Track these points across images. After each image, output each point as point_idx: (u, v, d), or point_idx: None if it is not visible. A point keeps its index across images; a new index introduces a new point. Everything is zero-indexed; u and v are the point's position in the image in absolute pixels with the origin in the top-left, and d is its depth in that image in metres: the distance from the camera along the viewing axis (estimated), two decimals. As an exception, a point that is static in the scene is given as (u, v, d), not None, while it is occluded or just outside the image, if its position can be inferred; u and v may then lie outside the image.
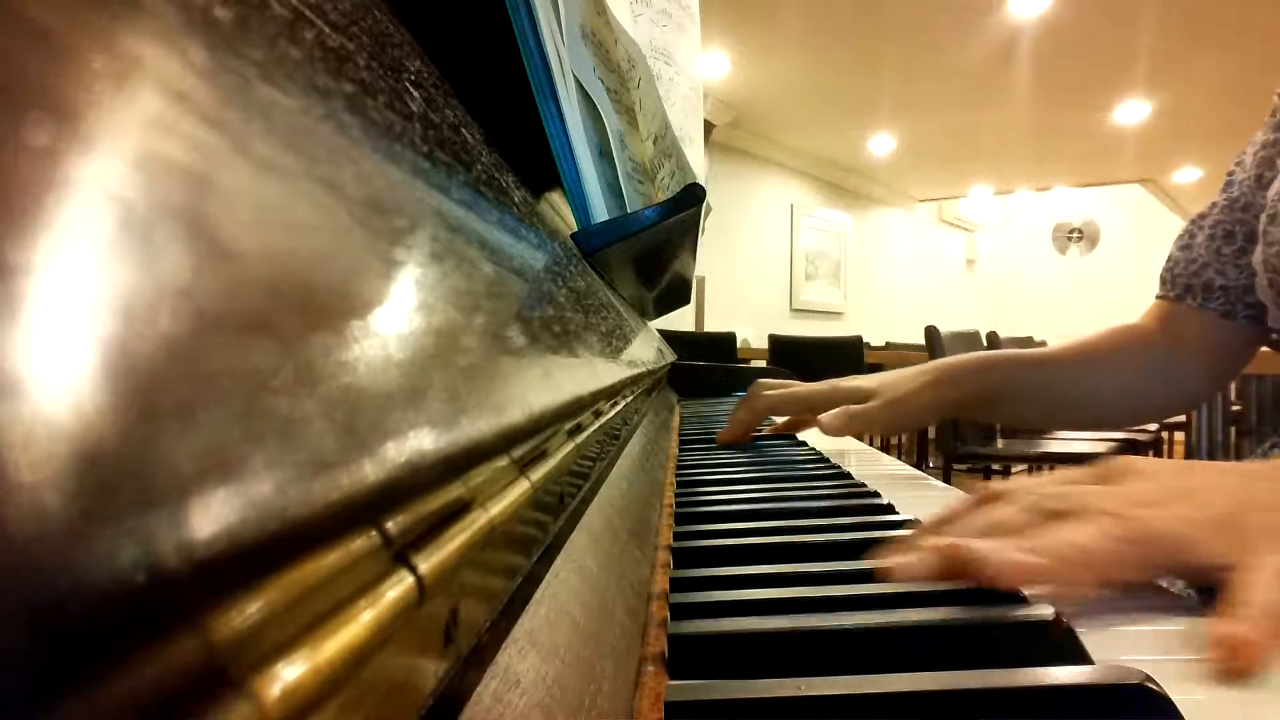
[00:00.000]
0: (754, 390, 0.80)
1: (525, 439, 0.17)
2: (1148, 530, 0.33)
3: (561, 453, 0.22)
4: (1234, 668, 0.25)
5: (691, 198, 0.57)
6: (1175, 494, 0.35)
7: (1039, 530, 0.33)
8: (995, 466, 3.35)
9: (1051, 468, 3.61)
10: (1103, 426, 2.45)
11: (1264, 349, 0.79)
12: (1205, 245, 0.77)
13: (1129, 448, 2.86)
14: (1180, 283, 0.79)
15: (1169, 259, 0.81)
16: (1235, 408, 3.37)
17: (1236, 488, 0.35)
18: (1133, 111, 4.69)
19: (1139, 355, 0.81)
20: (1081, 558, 0.32)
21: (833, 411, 0.72)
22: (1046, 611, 0.27)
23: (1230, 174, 0.77)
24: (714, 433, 0.88)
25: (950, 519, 0.38)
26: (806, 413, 0.78)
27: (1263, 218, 0.68)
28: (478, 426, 0.13)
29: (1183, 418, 3.32)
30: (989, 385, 0.76)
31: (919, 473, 0.72)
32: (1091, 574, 0.32)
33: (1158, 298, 0.81)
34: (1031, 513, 0.35)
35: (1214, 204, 0.77)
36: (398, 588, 0.10)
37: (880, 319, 6.35)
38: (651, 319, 1.15)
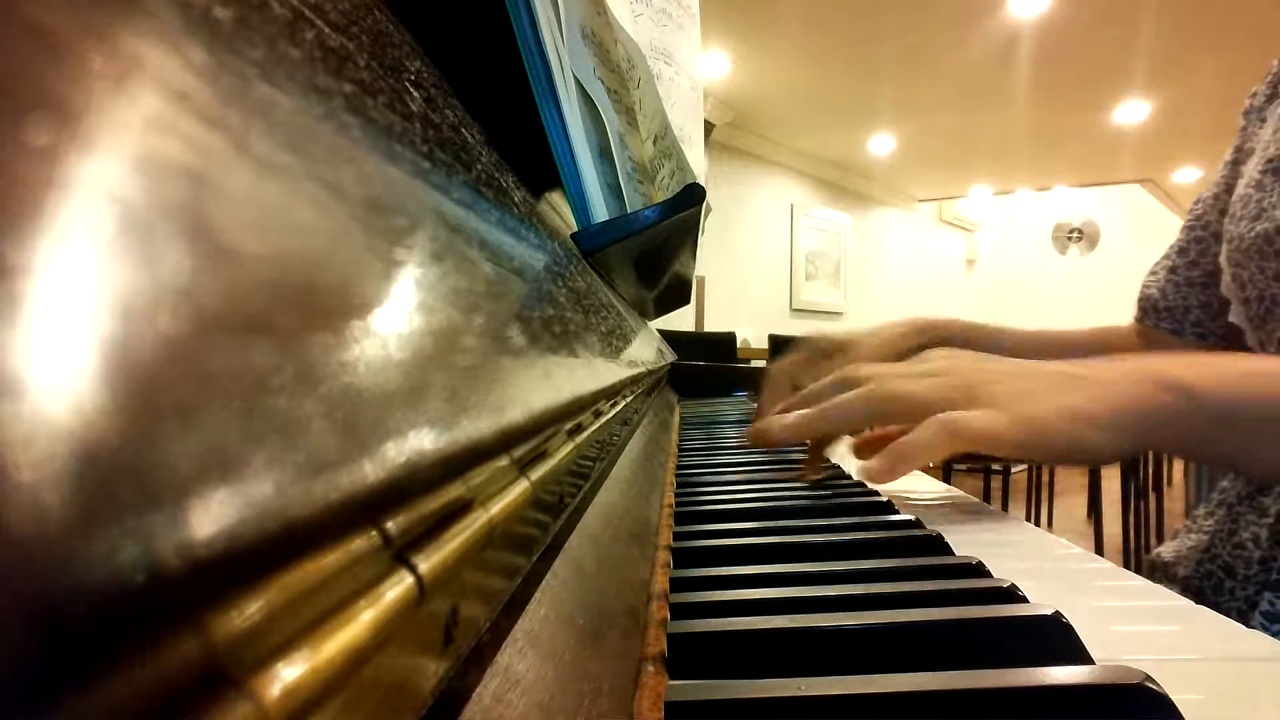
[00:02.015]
0: (769, 373, 0.82)
1: (525, 439, 0.17)
2: (892, 392, 0.46)
3: (561, 453, 0.22)
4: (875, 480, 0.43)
5: (691, 198, 0.57)
6: (940, 371, 0.47)
7: (829, 400, 0.47)
8: (995, 466, 3.35)
9: (1051, 468, 3.60)
10: None
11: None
12: (1164, 265, 0.83)
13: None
14: (1141, 304, 0.84)
15: (1141, 294, 0.86)
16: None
17: (991, 370, 0.47)
18: (1133, 111, 4.69)
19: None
20: (836, 413, 0.46)
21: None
22: (1047, 611, 0.27)
23: (1198, 200, 0.81)
24: (714, 433, 0.89)
25: (801, 397, 0.52)
26: (822, 363, 0.80)
27: (1226, 221, 0.71)
28: (478, 426, 0.13)
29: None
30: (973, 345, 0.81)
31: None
32: (839, 426, 0.46)
33: (1134, 320, 0.85)
34: (835, 386, 0.48)
35: (1182, 226, 0.83)
36: (398, 588, 0.10)
37: (880, 319, 6.33)
38: (651, 319, 1.15)
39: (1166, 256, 0.85)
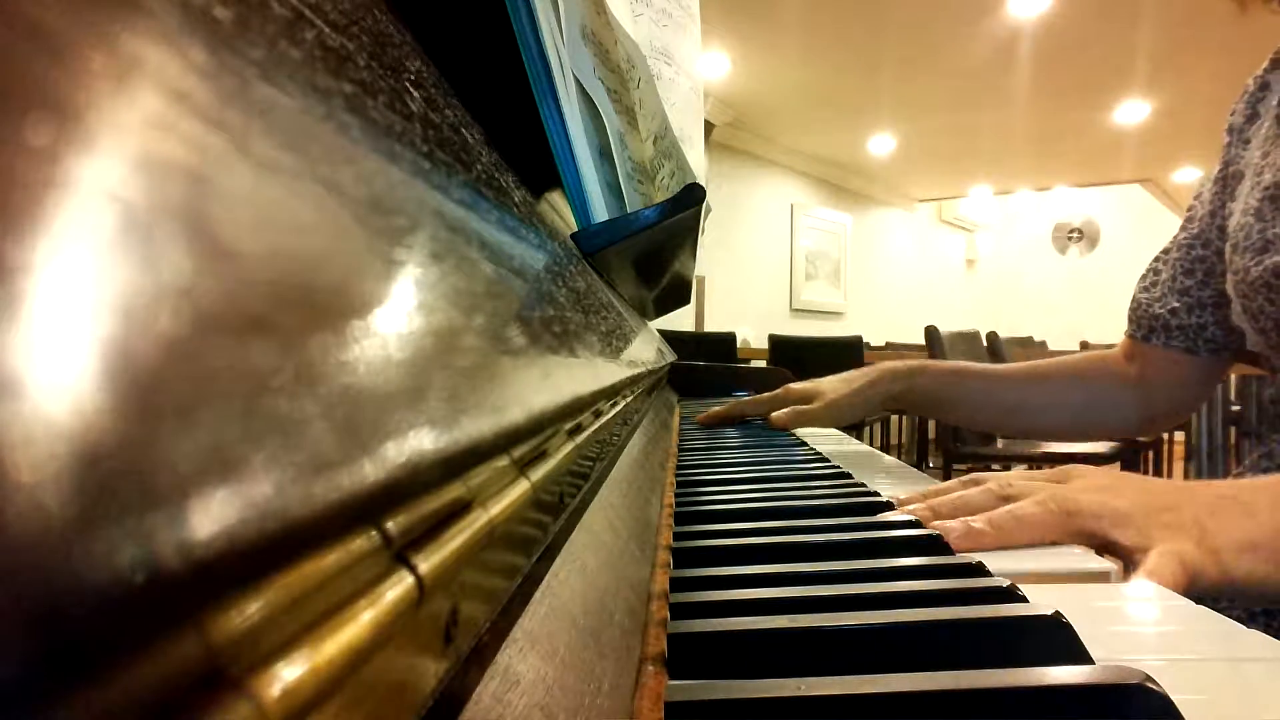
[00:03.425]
0: (735, 403, 0.98)
1: (525, 439, 0.17)
2: (1074, 503, 0.42)
3: (561, 453, 0.22)
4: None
5: (691, 198, 0.57)
6: (1103, 488, 0.45)
7: (994, 508, 0.44)
8: (995, 467, 3.35)
9: (1051, 467, 3.60)
10: (1050, 439, 2.51)
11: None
12: (1168, 285, 0.82)
13: (1128, 449, 2.86)
14: (1144, 324, 0.84)
15: (1133, 301, 0.86)
16: (1235, 408, 3.37)
17: (1150, 490, 0.45)
18: (1133, 111, 4.69)
19: (1096, 382, 0.89)
20: (1016, 523, 0.42)
21: (783, 411, 0.89)
22: (1047, 611, 0.27)
23: (1190, 209, 0.81)
24: (714, 433, 0.91)
25: (939, 492, 0.49)
26: (767, 413, 0.95)
27: (1227, 248, 0.71)
28: (478, 426, 0.13)
29: (1182, 418, 3.33)
30: (924, 387, 0.88)
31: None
32: (1024, 535, 0.42)
33: (1126, 335, 0.86)
34: (990, 496, 0.46)
35: (1176, 242, 0.81)
36: (398, 588, 0.10)
37: (880, 319, 6.35)
38: (651, 319, 1.15)
39: (1157, 272, 0.84)
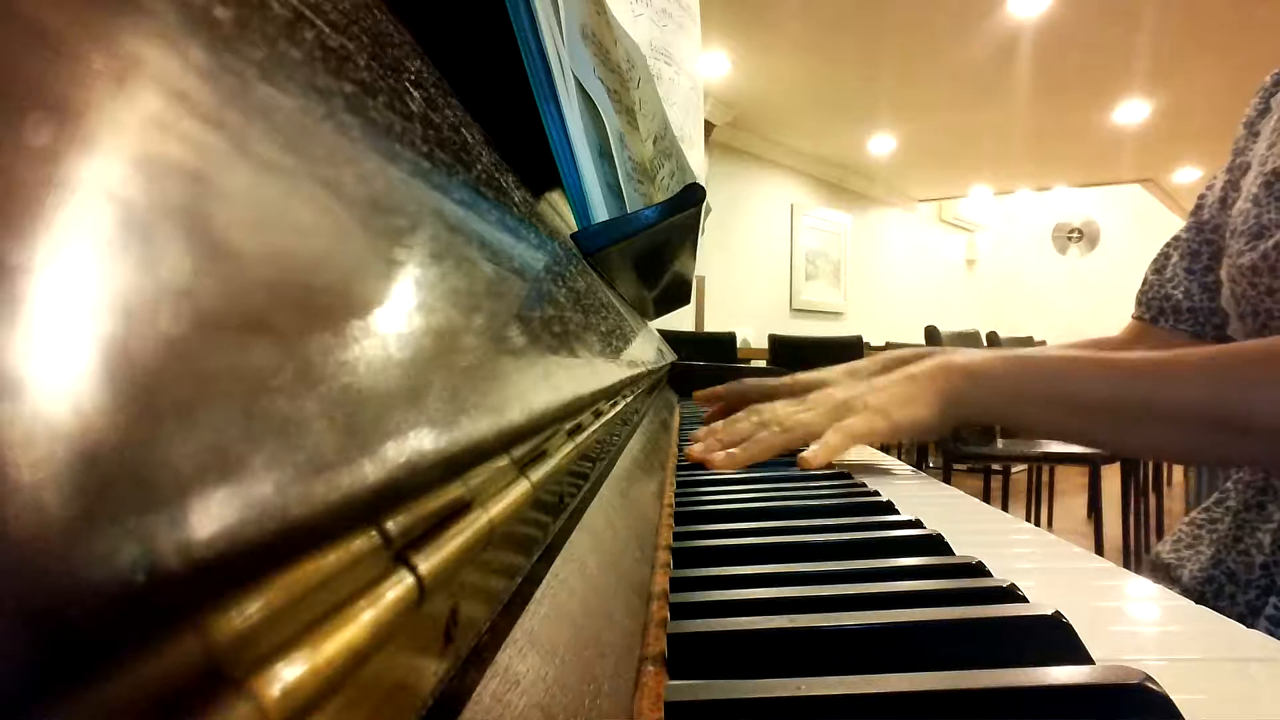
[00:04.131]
0: (735, 384, 1.02)
1: (525, 439, 0.17)
2: (798, 426, 0.68)
3: (561, 453, 0.22)
4: (807, 466, 0.65)
5: (691, 198, 0.57)
6: (816, 403, 0.70)
7: (752, 435, 0.69)
8: (995, 467, 3.35)
9: (1051, 469, 3.60)
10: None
11: None
12: (1176, 268, 0.84)
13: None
14: (1154, 305, 0.85)
15: (1144, 282, 0.88)
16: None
17: (857, 390, 0.70)
18: (1133, 111, 4.69)
19: None
20: (760, 447, 0.67)
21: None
22: (1047, 611, 0.27)
23: (1201, 198, 0.82)
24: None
25: (723, 427, 0.72)
26: (770, 396, 0.98)
27: (1225, 232, 0.72)
28: (478, 426, 0.13)
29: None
30: None
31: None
32: (763, 454, 0.67)
33: (1134, 318, 0.86)
34: (752, 425, 0.70)
35: (1186, 226, 0.82)
36: (398, 588, 0.10)
37: (880, 319, 6.35)
38: (651, 319, 1.15)
39: (1168, 256, 0.85)
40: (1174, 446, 0.64)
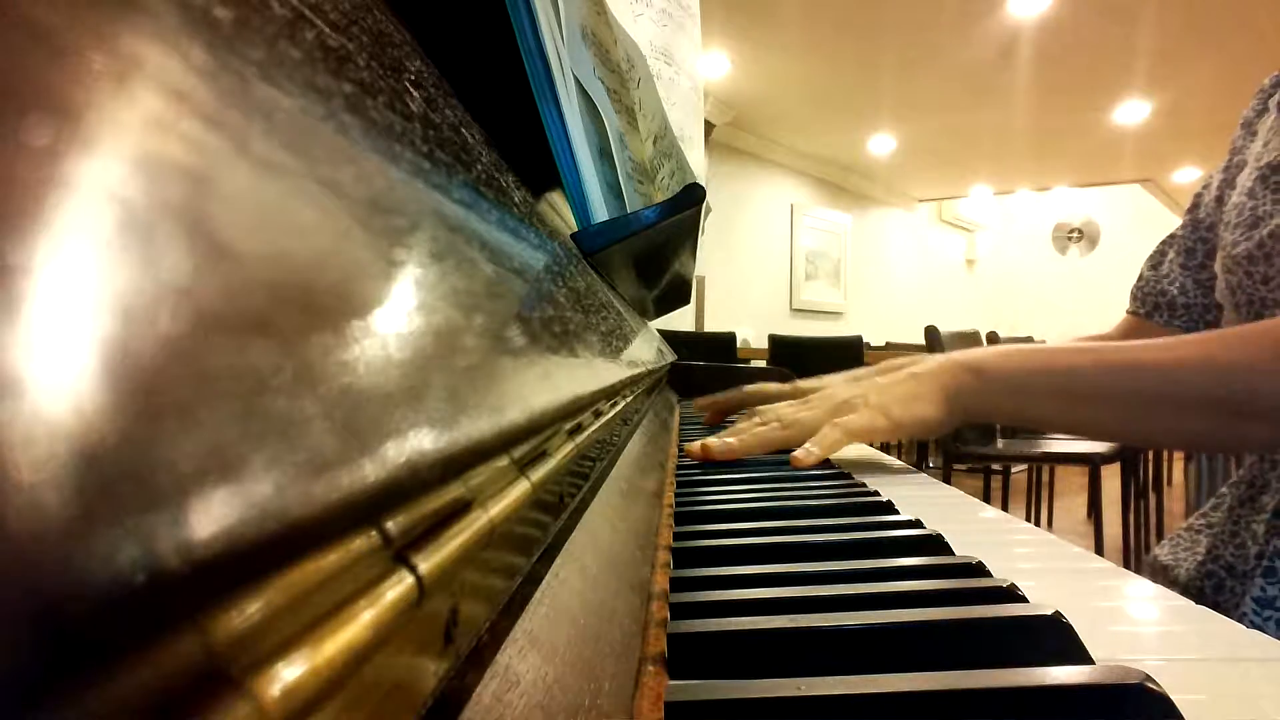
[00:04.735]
0: (736, 391, 1.02)
1: (525, 439, 0.17)
2: (796, 424, 0.67)
3: (561, 453, 0.22)
4: (800, 465, 0.63)
5: (691, 198, 0.57)
6: (818, 402, 0.70)
7: (747, 432, 0.68)
8: (995, 467, 3.35)
9: (1051, 469, 3.60)
10: (1052, 429, 2.61)
11: None
12: (1172, 263, 0.85)
13: (1129, 448, 2.86)
14: (1149, 301, 0.86)
15: (1140, 277, 0.88)
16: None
17: (859, 388, 0.70)
18: (1133, 111, 4.69)
19: None
20: (756, 440, 0.67)
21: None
22: (1047, 611, 0.27)
23: (1197, 196, 0.83)
24: (714, 433, 0.90)
25: (728, 428, 0.71)
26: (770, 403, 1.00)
27: (1220, 227, 0.72)
28: (478, 426, 0.13)
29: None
30: None
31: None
32: (760, 447, 0.67)
33: (1128, 313, 0.87)
34: (752, 423, 0.69)
35: (1183, 224, 0.82)
36: (397, 588, 0.10)
37: (880, 319, 6.35)
38: (651, 319, 1.15)
39: (1164, 253, 0.86)
40: (1181, 434, 0.63)
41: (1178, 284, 0.83)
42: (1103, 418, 0.64)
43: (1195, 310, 0.82)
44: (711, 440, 0.68)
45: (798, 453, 0.64)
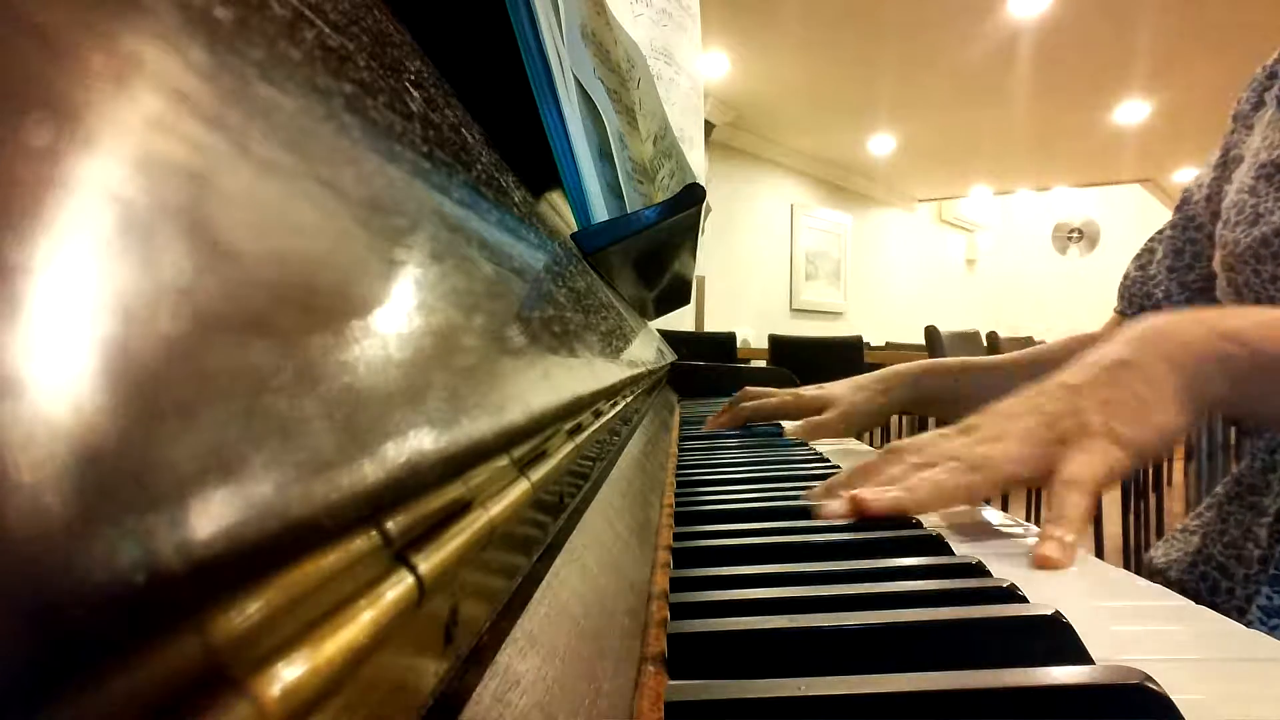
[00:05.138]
0: (740, 396, 0.96)
1: (525, 439, 0.17)
2: (980, 458, 0.46)
3: (561, 453, 0.22)
4: (1057, 567, 0.38)
5: (691, 198, 0.57)
6: (1002, 432, 0.48)
7: (911, 477, 0.47)
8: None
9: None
10: None
11: None
12: (1160, 265, 0.84)
13: None
14: (1136, 302, 0.86)
15: (1125, 276, 0.88)
16: (1235, 407, 3.35)
17: (1042, 409, 0.48)
18: (1133, 111, 4.69)
19: None
20: (934, 489, 0.45)
21: (797, 424, 0.89)
22: (1047, 611, 0.27)
23: (1187, 192, 0.83)
24: (715, 433, 0.91)
25: (860, 471, 0.50)
26: (779, 418, 0.94)
27: (1218, 226, 0.72)
28: (478, 426, 0.13)
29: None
30: (931, 387, 0.89)
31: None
32: (942, 500, 0.45)
33: (1116, 311, 0.87)
34: (907, 466, 0.49)
35: (1170, 223, 0.83)
36: (398, 588, 0.10)
37: (880, 319, 6.35)
38: (651, 319, 1.15)
39: (1151, 251, 0.85)
40: None
41: (1163, 288, 0.83)
42: None
43: (1181, 309, 0.83)
44: (865, 492, 0.45)
45: (1048, 550, 0.39)
